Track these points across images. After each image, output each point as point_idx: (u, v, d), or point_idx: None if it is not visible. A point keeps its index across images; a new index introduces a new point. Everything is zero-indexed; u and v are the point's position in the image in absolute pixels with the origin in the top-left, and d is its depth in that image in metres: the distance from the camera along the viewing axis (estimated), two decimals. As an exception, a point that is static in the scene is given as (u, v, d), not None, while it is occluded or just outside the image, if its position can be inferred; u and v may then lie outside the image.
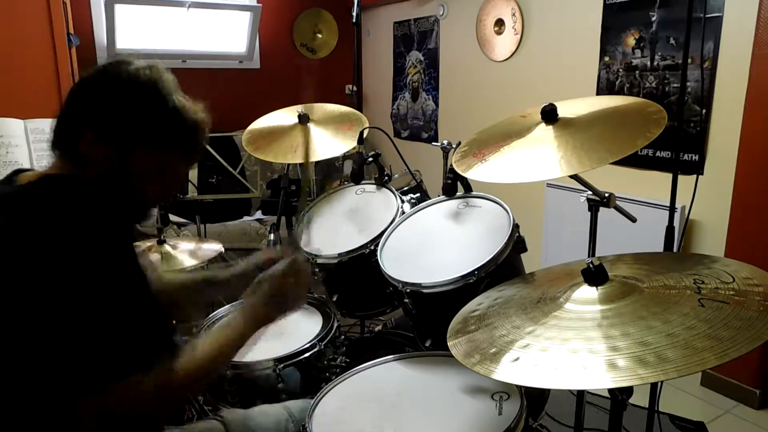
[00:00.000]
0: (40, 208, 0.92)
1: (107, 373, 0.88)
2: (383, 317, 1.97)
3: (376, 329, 2.07)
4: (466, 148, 1.49)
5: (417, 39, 4.37)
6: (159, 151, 1.02)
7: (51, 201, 0.94)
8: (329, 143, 2.08)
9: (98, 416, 0.89)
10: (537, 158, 1.29)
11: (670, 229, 1.87)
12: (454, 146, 1.85)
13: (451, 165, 1.66)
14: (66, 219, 0.91)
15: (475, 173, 1.34)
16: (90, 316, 0.87)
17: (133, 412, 0.92)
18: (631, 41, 2.84)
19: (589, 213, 1.49)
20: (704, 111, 2.57)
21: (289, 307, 1.18)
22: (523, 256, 1.57)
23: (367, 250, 1.69)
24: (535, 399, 1.47)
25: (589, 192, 1.44)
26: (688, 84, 2.57)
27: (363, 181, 1.97)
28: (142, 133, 1.00)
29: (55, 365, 0.87)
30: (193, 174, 2.56)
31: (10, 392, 0.89)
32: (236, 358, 1.21)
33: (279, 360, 1.52)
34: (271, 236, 2.07)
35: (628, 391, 0.98)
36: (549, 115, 1.36)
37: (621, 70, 2.91)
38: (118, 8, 3.83)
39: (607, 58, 2.97)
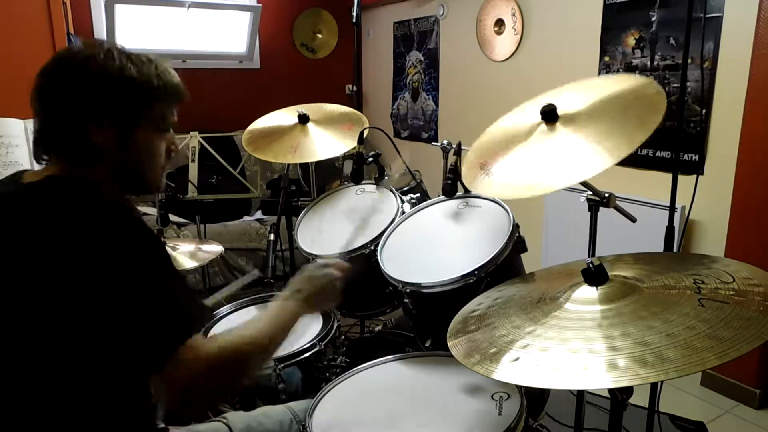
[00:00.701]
0: (65, 201, 0.94)
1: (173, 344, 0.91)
2: (383, 317, 1.97)
3: (376, 329, 2.07)
4: (471, 157, 1.48)
5: (417, 39, 4.37)
6: (156, 104, 1.04)
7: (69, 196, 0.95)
8: (329, 143, 2.08)
9: (178, 384, 0.92)
10: (541, 168, 1.29)
11: (670, 229, 1.87)
12: (454, 146, 1.85)
13: (451, 165, 1.66)
14: (96, 208, 0.94)
15: (481, 187, 1.35)
16: (150, 293, 0.92)
17: (206, 379, 0.94)
18: (631, 41, 2.84)
19: (589, 213, 1.49)
20: (704, 111, 2.57)
21: (324, 303, 1.29)
22: (523, 256, 1.57)
23: (367, 250, 1.69)
24: (535, 399, 1.47)
25: (589, 192, 1.44)
26: (688, 84, 2.57)
27: (363, 181, 1.97)
28: (135, 99, 1.00)
29: (131, 341, 0.90)
30: (193, 174, 2.55)
31: (85, 380, 0.92)
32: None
33: (279, 360, 1.52)
34: (271, 236, 2.07)
35: (628, 391, 0.98)
36: (549, 115, 1.36)
37: (621, 70, 2.91)
38: (118, 8, 3.83)
39: (607, 58, 2.97)
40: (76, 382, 0.92)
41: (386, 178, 1.99)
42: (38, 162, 1.04)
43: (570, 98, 1.40)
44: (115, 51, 0.99)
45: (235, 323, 1.72)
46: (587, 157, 1.24)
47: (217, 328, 1.72)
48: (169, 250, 1.96)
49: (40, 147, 1.03)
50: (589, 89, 1.43)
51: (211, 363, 0.93)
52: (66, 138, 0.99)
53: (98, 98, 0.97)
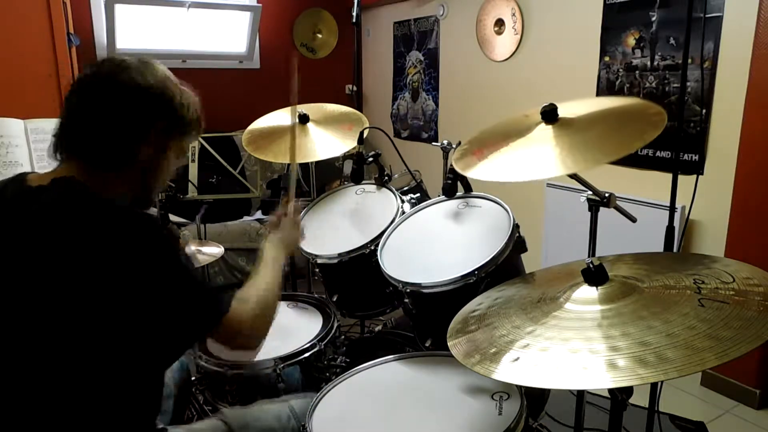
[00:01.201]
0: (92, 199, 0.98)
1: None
2: (383, 317, 1.97)
3: (376, 329, 2.07)
4: (466, 146, 1.49)
5: (417, 39, 4.37)
6: (185, 137, 1.14)
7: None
8: (329, 143, 2.08)
9: (235, 339, 1.08)
10: (536, 157, 1.29)
11: (670, 229, 1.87)
12: (454, 146, 1.85)
13: (451, 165, 1.66)
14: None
15: (474, 172, 1.34)
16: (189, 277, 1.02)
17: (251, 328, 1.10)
18: (631, 41, 2.84)
19: (589, 213, 1.49)
20: (704, 111, 2.57)
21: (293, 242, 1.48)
22: (523, 256, 1.57)
23: (367, 250, 1.69)
24: (535, 399, 1.47)
25: (589, 192, 1.44)
26: (688, 84, 2.57)
27: (363, 181, 1.97)
28: (176, 127, 1.10)
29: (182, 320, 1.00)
30: (193, 174, 2.55)
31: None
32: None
33: (279, 359, 1.52)
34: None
35: (628, 391, 0.98)
36: (549, 115, 1.36)
37: (621, 70, 2.91)
38: (118, 8, 3.84)
39: (607, 58, 2.97)
40: (86, 385, 0.94)
41: (395, 177, 2.00)
42: (55, 157, 1.05)
43: (571, 107, 1.40)
44: (171, 79, 1.11)
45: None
46: (582, 150, 1.24)
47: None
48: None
49: (68, 147, 1.04)
50: (590, 103, 1.44)
51: (252, 316, 1.09)
52: (110, 144, 1.02)
53: (148, 114, 1.04)
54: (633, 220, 1.51)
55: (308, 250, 1.81)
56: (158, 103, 1.05)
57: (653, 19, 2.73)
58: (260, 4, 4.45)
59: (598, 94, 3.02)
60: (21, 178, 1.04)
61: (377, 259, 1.61)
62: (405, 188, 2.00)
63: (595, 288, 1.03)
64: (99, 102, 1.02)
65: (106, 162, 1.03)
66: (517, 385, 1.20)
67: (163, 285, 0.96)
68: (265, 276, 1.23)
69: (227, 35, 4.39)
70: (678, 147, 1.93)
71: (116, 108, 1.02)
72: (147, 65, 1.08)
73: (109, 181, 1.04)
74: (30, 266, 0.92)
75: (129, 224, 0.95)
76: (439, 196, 1.76)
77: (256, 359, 1.52)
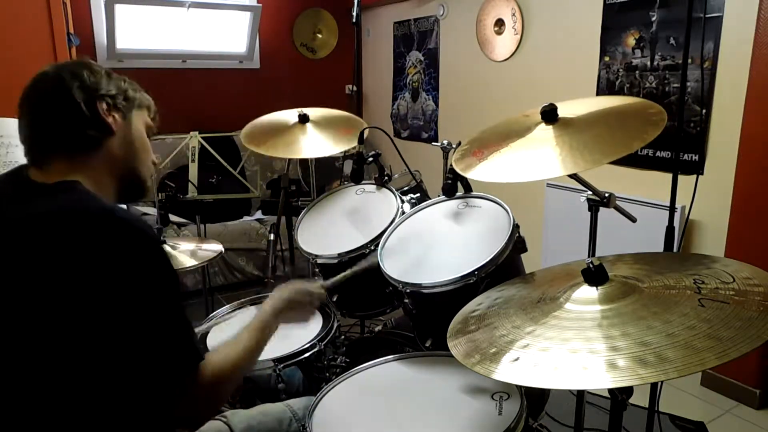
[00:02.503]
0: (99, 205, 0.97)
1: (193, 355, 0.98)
2: (383, 317, 1.97)
3: (376, 329, 2.07)
4: (466, 146, 1.49)
5: (417, 39, 4.37)
6: (142, 109, 1.16)
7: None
8: (329, 143, 2.08)
9: (191, 402, 0.99)
10: (536, 158, 1.29)
11: (670, 229, 1.87)
12: (454, 146, 1.85)
13: (451, 165, 1.66)
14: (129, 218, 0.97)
15: (474, 173, 1.34)
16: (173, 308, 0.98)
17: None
18: (631, 41, 2.84)
19: (589, 213, 1.49)
20: (704, 111, 2.57)
21: (292, 320, 1.36)
22: (523, 256, 1.57)
23: (367, 250, 1.69)
24: (535, 399, 1.47)
25: (589, 192, 1.44)
26: (688, 84, 2.57)
27: (363, 181, 1.97)
28: (129, 96, 1.13)
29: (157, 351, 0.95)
30: (193, 174, 2.55)
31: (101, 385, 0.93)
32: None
33: (279, 360, 1.52)
34: (271, 236, 2.07)
35: (628, 391, 0.98)
36: (549, 115, 1.36)
37: (621, 70, 2.91)
38: (118, 8, 3.84)
39: (607, 58, 2.97)
40: (87, 395, 0.92)
41: (395, 177, 1.99)
42: (38, 164, 1.05)
43: (571, 107, 1.40)
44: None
45: (235, 324, 1.73)
46: (582, 150, 1.24)
47: (218, 329, 1.72)
48: (169, 249, 1.96)
49: (40, 148, 1.05)
50: (590, 103, 1.44)
51: (217, 380, 1.02)
52: (79, 120, 1.04)
53: (101, 86, 1.08)
54: (633, 220, 1.51)
55: (308, 250, 1.81)
56: (102, 80, 1.09)
57: (653, 19, 2.73)
58: (260, 4, 4.45)
59: (598, 94, 3.03)
60: (23, 171, 1.05)
61: (377, 259, 1.61)
62: (405, 188, 2.00)
63: (595, 288, 1.03)
64: (47, 97, 1.08)
65: (82, 139, 1.05)
66: (517, 385, 1.20)
67: (149, 311, 0.93)
68: (250, 340, 1.15)
69: (227, 35, 4.39)
70: (678, 147, 1.94)
71: (63, 94, 1.06)
72: (76, 66, 1.12)
73: (96, 161, 1.06)
74: (19, 269, 0.91)
75: (135, 244, 0.93)
76: (439, 196, 1.76)
77: (256, 359, 1.52)
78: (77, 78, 1.07)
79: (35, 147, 1.07)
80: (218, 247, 2.05)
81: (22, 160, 1.09)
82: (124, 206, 2.11)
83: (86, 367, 0.91)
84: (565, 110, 1.38)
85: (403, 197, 1.86)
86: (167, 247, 1.96)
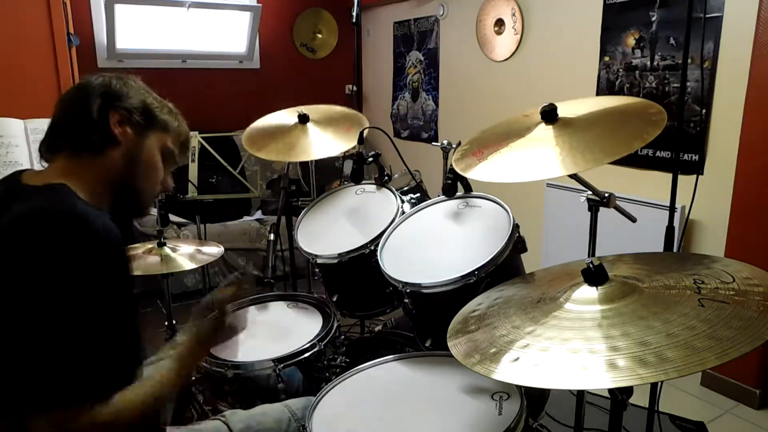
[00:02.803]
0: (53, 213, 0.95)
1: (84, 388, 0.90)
2: (383, 317, 1.97)
3: (376, 329, 2.07)
4: (466, 146, 1.49)
5: (417, 39, 4.37)
6: (166, 134, 1.16)
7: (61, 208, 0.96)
8: (328, 143, 2.08)
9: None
10: (536, 158, 1.29)
11: (670, 229, 1.87)
12: (454, 146, 1.85)
13: (451, 165, 1.66)
14: (75, 230, 0.93)
15: (474, 173, 1.34)
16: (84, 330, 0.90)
17: None
18: (631, 41, 2.84)
19: (589, 213, 1.49)
20: (704, 111, 2.57)
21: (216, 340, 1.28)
22: (523, 256, 1.56)
23: (367, 250, 1.69)
24: (535, 399, 1.47)
25: (589, 192, 1.44)
26: (688, 84, 2.57)
27: (363, 181, 1.97)
28: (155, 116, 1.13)
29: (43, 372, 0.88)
30: (193, 174, 2.55)
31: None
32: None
33: (279, 360, 1.52)
34: (271, 236, 2.07)
35: (628, 391, 0.98)
36: (549, 115, 1.36)
37: (621, 70, 2.91)
38: (118, 8, 3.84)
39: (607, 58, 2.97)
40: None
41: (395, 177, 1.99)
42: (45, 159, 1.09)
43: (571, 107, 1.40)
44: (152, 93, 1.18)
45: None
46: (582, 150, 1.24)
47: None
48: (169, 251, 1.96)
49: (54, 137, 1.08)
50: (590, 103, 1.44)
51: (112, 425, 0.93)
52: (87, 122, 1.06)
53: (124, 98, 1.10)
54: (633, 220, 1.51)
55: (308, 250, 1.81)
56: (129, 94, 1.11)
57: (653, 19, 2.73)
58: (260, 4, 4.45)
59: (598, 94, 3.03)
60: (16, 176, 1.06)
61: (377, 259, 1.61)
62: (405, 188, 2.00)
63: (595, 288, 1.03)
64: (76, 95, 1.10)
65: (85, 141, 1.06)
66: (517, 385, 1.20)
67: (53, 322, 0.87)
68: (156, 384, 1.05)
69: (227, 35, 4.39)
70: (678, 147, 1.94)
71: (88, 94, 1.09)
72: (128, 77, 1.15)
73: (93, 166, 1.06)
74: None
75: (79, 248, 0.90)
76: (439, 196, 1.76)
77: (256, 359, 1.52)
78: (105, 85, 1.10)
79: (45, 141, 1.09)
80: (218, 250, 2.05)
81: (23, 159, 1.10)
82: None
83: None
84: (565, 110, 1.38)
85: (403, 197, 1.86)
86: (167, 249, 1.96)
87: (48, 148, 1.09)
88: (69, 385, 0.89)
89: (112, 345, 0.94)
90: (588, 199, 1.46)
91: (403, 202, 1.83)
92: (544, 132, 1.35)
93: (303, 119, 2.13)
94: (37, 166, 1.10)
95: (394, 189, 1.91)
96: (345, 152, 2.06)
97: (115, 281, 0.95)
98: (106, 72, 1.14)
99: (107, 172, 1.08)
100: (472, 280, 1.41)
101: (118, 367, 0.96)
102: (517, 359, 0.93)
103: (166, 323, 2.14)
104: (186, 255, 1.97)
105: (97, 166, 1.07)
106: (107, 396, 0.93)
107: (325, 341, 1.62)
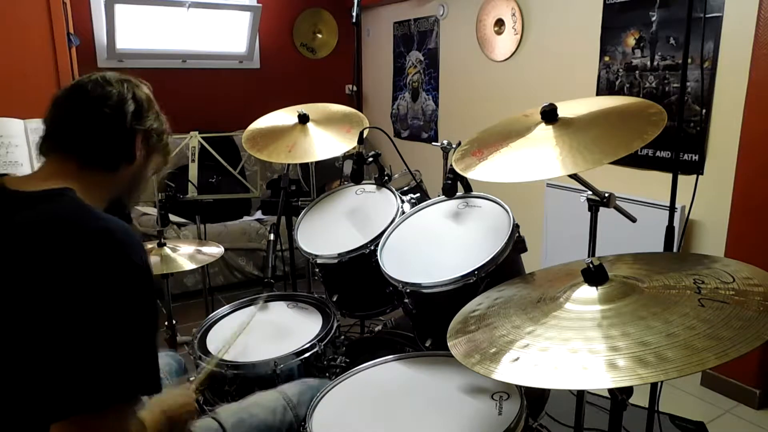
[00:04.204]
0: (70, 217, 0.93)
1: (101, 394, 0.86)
2: (383, 317, 1.97)
3: (376, 329, 2.07)
4: (466, 146, 1.49)
5: (417, 39, 4.37)
6: (162, 156, 1.17)
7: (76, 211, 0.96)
8: (328, 143, 2.08)
9: None
10: (535, 158, 1.29)
11: (670, 229, 1.87)
12: (454, 146, 1.85)
13: (451, 165, 1.66)
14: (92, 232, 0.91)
15: (474, 173, 1.34)
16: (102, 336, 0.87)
17: None
18: (631, 41, 2.84)
19: (589, 213, 1.49)
20: (704, 111, 2.57)
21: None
22: (523, 256, 1.57)
23: (367, 250, 1.69)
24: (535, 399, 1.47)
25: (589, 192, 1.44)
26: (688, 84, 2.57)
27: (363, 181, 1.97)
28: (160, 134, 1.14)
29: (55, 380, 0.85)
30: (193, 174, 2.55)
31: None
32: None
33: (279, 360, 1.52)
34: (271, 236, 2.07)
35: (628, 391, 0.98)
36: (549, 115, 1.36)
37: (621, 70, 2.91)
38: (118, 8, 3.84)
39: (607, 58, 2.97)
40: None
41: (395, 177, 1.99)
42: (44, 154, 1.05)
43: (571, 107, 1.40)
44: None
45: (236, 324, 1.73)
46: (582, 150, 1.24)
47: (216, 331, 1.72)
48: (169, 252, 1.96)
49: (61, 145, 1.04)
50: (590, 103, 1.44)
51: None
52: (111, 140, 1.06)
53: (145, 116, 1.10)
54: (633, 220, 1.51)
55: (308, 250, 1.81)
56: (148, 111, 1.11)
57: (653, 19, 2.73)
58: (260, 4, 4.45)
59: (598, 94, 3.03)
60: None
61: (377, 259, 1.61)
62: (405, 188, 2.00)
63: (595, 288, 1.03)
64: (96, 104, 1.06)
65: (102, 157, 1.05)
66: (517, 385, 1.20)
67: (82, 325, 0.84)
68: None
69: (227, 35, 4.39)
70: (678, 147, 1.94)
71: (107, 107, 1.06)
72: (132, 83, 1.13)
73: (101, 180, 1.05)
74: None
75: (106, 263, 0.88)
76: (439, 196, 1.76)
77: (255, 359, 1.52)
78: (136, 101, 1.09)
79: (54, 137, 1.05)
80: (218, 250, 2.05)
81: (23, 159, 1.09)
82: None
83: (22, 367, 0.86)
84: (565, 110, 1.38)
85: (403, 197, 1.86)
86: (167, 249, 1.96)
87: (48, 150, 1.05)
88: (93, 391, 0.86)
89: (136, 351, 0.91)
90: (588, 199, 1.46)
91: (403, 202, 1.83)
92: (544, 132, 1.35)
93: (303, 119, 2.13)
94: (37, 166, 1.08)
95: (394, 189, 1.91)
96: (345, 152, 2.06)
97: (141, 286, 0.93)
98: (105, 70, 1.12)
99: (112, 186, 1.08)
100: (472, 280, 1.41)
101: (140, 373, 0.93)
102: (517, 359, 0.93)
103: (166, 323, 2.15)
104: (186, 255, 1.97)
105: (105, 180, 1.06)
106: (129, 402, 0.91)
107: (325, 341, 1.62)
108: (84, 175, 1.03)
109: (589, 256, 1.46)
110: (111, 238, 0.91)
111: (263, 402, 1.29)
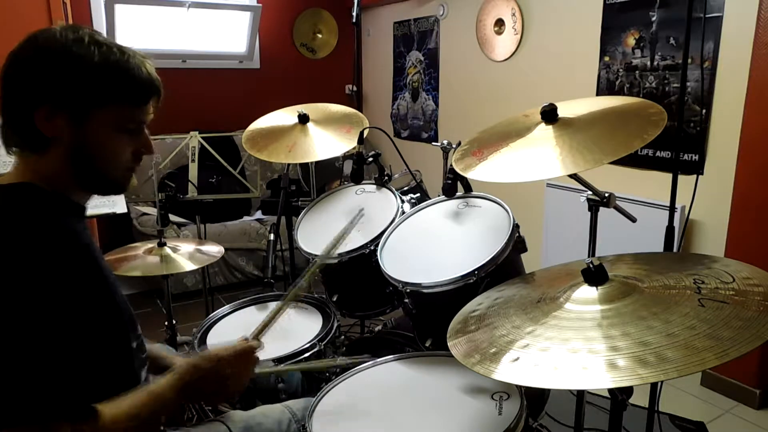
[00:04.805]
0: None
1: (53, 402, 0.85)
2: (383, 317, 1.97)
3: (376, 329, 2.07)
4: (466, 146, 1.49)
5: (417, 39, 4.37)
6: (111, 106, 0.97)
7: (11, 214, 0.92)
8: (328, 143, 2.08)
9: None
10: (535, 158, 1.29)
11: (670, 229, 1.87)
12: (454, 146, 1.85)
13: (451, 165, 1.66)
14: (24, 234, 0.89)
15: (474, 173, 1.34)
16: (49, 342, 0.85)
17: None
18: (631, 41, 2.84)
19: (589, 213, 1.49)
20: (704, 111, 2.57)
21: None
22: (523, 256, 1.57)
23: (367, 250, 1.69)
24: (535, 399, 1.47)
25: (589, 192, 1.44)
26: (688, 84, 2.57)
27: (363, 181, 1.97)
28: (90, 92, 0.94)
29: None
30: (193, 174, 2.55)
31: None
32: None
33: (279, 360, 1.52)
34: (271, 236, 2.07)
35: (628, 391, 0.98)
36: (549, 115, 1.36)
37: (621, 70, 2.91)
38: (118, 8, 3.84)
39: (607, 58, 2.97)
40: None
41: (395, 177, 1.99)
42: (8, 153, 1.00)
43: (571, 107, 1.40)
44: (87, 37, 0.94)
45: (236, 324, 1.73)
46: (582, 150, 1.24)
47: (217, 329, 1.72)
48: (169, 252, 1.96)
49: (2, 138, 0.99)
50: (590, 103, 1.44)
51: None
52: (15, 124, 0.95)
53: (45, 83, 0.92)
54: (633, 220, 1.51)
55: (308, 250, 1.81)
56: (50, 72, 0.92)
57: (653, 19, 2.73)
58: (260, 4, 4.45)
59: (598, 94, 3.03)
60: None
61: (377, 259, 1.61)
62: (405, 188, 2.00)
63: (595, 288, 1.03)
64: (3, 80, 0.95)
65: (23, 143, 0.96)
66: (517, 385, 1.20)
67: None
68: (135, 408, 0.95)
69: (227, 35, 4.39)
70: (678, 147, 1.93)
71: (8, 83, 0.94)
72: (49, 35, 0.94)
73: (44, 165, 0.97)
74: None
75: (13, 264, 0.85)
76: (439, 196, 1.76)
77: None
78: (52, 63, 0.91)
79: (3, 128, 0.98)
80: (218, 250, 2.05)
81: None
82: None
83: None
84: (565, 110, 1.38)
85: (403, 197, 1.86)
86: (167, 249, 1.96)
87: (3, 141, 0.98)
88: (43, 400, 0.84)
89: (87, 356, 0.89)
90: (588, 199, 1.46)
91: (403, 202, 1.83)
92: (544, 132, 1.35)
93: (303, 119, 2.13)
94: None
95: (394, 189, 1.91)
96: (345, 152, 2.06)
97: (75, 288, 0.90)
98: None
99: (60, 169, 0.97)
100: (472, 280, 1.41)
101: (99, 380, 0.91)
102: (517, 359, 0.93)
103: (166, 323, 2.15)
104: (186, 255, 1.97)
105: (47, 165, 0.97)
106: (86, 410, 0.89)
107: (325, 341, 1.62)
108: (29, 164, 0.97)
109: (589, 256, 1.46)
110: (31, 236, 0.87)
111: (269, 413, 1.30)
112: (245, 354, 1.17)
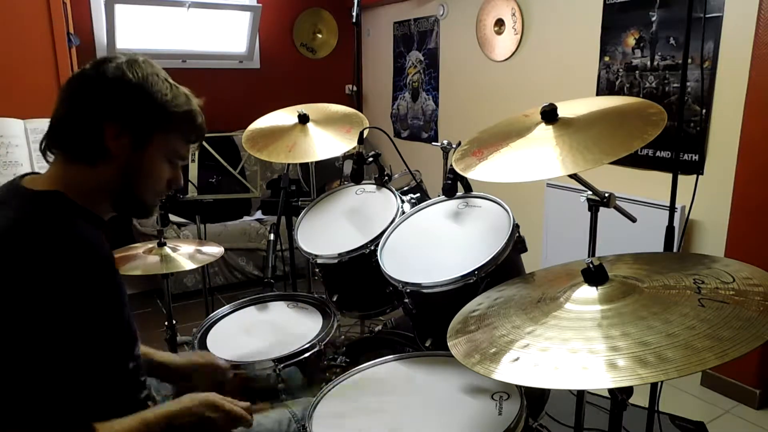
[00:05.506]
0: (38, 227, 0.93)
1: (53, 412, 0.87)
2: (383, 317, 1.97)
3: (376, 329, 2.07)
4: (466, 146, 1.49)
5: (417, 39, 4.37)
6: (171, 136, 1.07)
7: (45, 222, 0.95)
8: (328, 143, 2.08)
9: None
10: (535, 158, 1.29)
11: (670, 229, 1.87)
12: (454, 146, 1.85)
13: (451, 165, 1.66)
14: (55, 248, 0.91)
15: (474, 173, 1.34)
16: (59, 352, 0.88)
17: None
18: (631, 41, 2.84)
19: (589, 213, 1.49)
20: (704, 111, 2.57)
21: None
22: (523, 256, 1.57)
23: (367, 250, 1.69)
24: (535, 399, 1.47)
25: (589, 192, 1.44)
26: (688, 84, 2.57)
27: (363, 181, 1.97)
28: (158, 120, 1.04)
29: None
30: (193, 174, 2.55)
31: None
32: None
33: (279, 360, 1.52)
34: (271, 236, 2.07)
35: (628, 391, 0.98)
36: (549, 115, 1.36)
37: (621, 70, 2.91)
38: (118, 8, 3.84)
39: (607, 58, 2.97)
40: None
41: (395, 177, 1.99)
42: (45, 159, 1.05)
43: (571, 107, 1.40)
44: (161, 74, 1.07)
45: (236, 324, 1.73)
46: (583, 150, 1.24)
47: (217, 329, 1.72)
48: (169, 251, 1.95)
49: (50, 141, 1.04)
50: (590, 103, 1.44)
51: None
52: (79, 133, 1.00)
53: (123, 103, 1.00)
54: (633, 220, 1.51)
55: (308, 250, 1.81)
56: (129, 95, 1.01)
57: (653, 19, 2.73)
58: (260, 4, 4.45)
59: (598, 94, 3.03)
60: (18, 180, 1.03)
61: (377, 259, 1.61)
62: (405, 188, 2.00)
63: (595, 288, 1.03)
64: (72, 93, 1.03)
65: (78, 151, 1.01)
66: (517, 385, 1.20)
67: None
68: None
69: (227, 35, 4.39)
70: (678, 147, 1.93)
71: (83, 95, 1.01)
72: (133, 62, 1.04)
73: (87, 177, 1.01)
74: None
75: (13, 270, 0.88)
76: (439, 196, 1.76)
77: (256, 359, 1.52)
78: (117, 85, 1.00)
79: (43, 140, 1.04)
80: (218, 250, 2.05)
81: (23, 159, 1.08)
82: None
83: None
84: (565, 110, 1.38)
85: (403, 197, 1.86)
86: (167, 249, 1.96)
87: (45, 148, 1.04)
88: (41, 409, 0.86)
89: (85, 369, 0.91)
90: (588, 199, 1.46)
91: (403, 202, 1.83)
92: (544, 132, 1.35)
93: (303, 119, 2.13)
94: (37, 166, 1.09)
95: (394, 189, 1.91)
96: (345, 152, 2.06)
97: (85, 298, 0.92)
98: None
99: (102, 184, 1.03)
100: (472, 280, 1.41)
101: (92, 394, 0.93)
102: (517, 359, 0.93)
103: (166, 323, 2.15)
104: (186, 255, 1.97)
105: (90, 177, 1.02)
106: (83, 426, 0.91)
107: (325, 341, 1.62)
108: (69, 172, 1.02)
109: (589, 256, 1.46)
110: (50, 243, 0.90)
111: (270, 413, 1.30)
112: (239, 419, 1.16)
